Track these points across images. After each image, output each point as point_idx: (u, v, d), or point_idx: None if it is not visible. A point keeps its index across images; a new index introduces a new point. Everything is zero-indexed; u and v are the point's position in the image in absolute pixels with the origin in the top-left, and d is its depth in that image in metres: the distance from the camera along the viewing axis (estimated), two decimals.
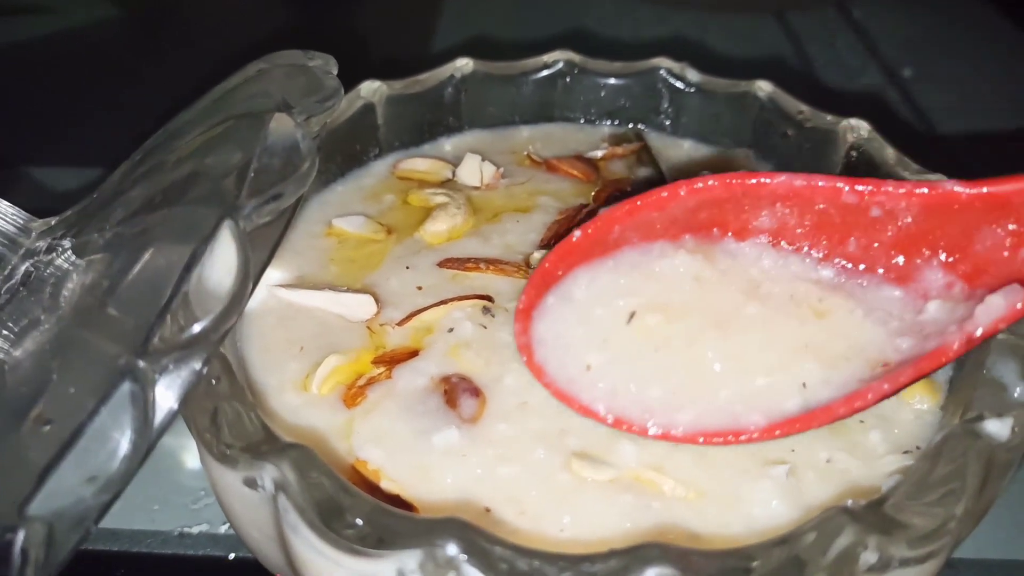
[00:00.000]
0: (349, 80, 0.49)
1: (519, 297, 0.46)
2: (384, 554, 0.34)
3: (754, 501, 0.40)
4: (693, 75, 0.62)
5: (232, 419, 0.38)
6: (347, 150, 0.59)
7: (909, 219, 0.41)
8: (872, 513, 0.34)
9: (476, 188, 0.58)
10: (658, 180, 0.58)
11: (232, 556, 0.52)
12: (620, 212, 0.44)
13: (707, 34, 1.04)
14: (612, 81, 0.63)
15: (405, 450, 0.42)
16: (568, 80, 0.63)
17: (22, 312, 0.41)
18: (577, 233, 0.44)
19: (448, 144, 0.63)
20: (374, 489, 0.40)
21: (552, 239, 0.53)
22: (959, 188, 0.40)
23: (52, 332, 0.39)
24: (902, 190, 0.40)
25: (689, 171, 0.59)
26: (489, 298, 0.49)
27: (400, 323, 0.48)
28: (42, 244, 0.44)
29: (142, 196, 0.43)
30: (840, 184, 0.41)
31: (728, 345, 0.42)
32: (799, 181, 0.41)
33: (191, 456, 0.56)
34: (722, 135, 0.62)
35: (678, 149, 0.63)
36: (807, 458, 0.42)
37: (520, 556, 0.33)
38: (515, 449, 0.42)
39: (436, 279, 0.51)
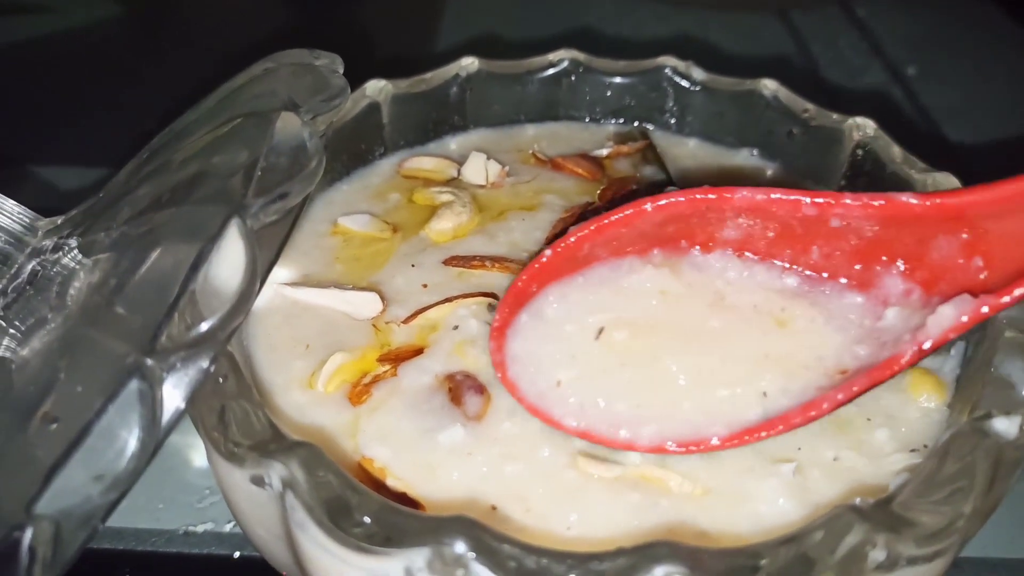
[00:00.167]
0: (352, 79, 0.49)
1: (493, 315, 0.46)
2: (392, 552, 0.34)
3: (761, 499, 0.40)
4: (698, 74, 0.62)
5: (240, 417, 0.38)
6: (352, 149, 0.59)
7: (868, 229, 0.42)
8: (881, 511, 0.34)
9: (481, 186, 0.58)
10: (663, 178, 0.58)
11: (237, 554, 0.52)
12: (589, 229, 0.45)
13: (709, 33, 1.04)
14: (617, 80, 0.63)
15: (411, 448, 0.42)
16: (573, 79, 0.63)
17: (29, 311, 0.41)
18: (548, 252, 0.45)
19: (453, 143, 0.63)
20: (380, 487, 0.40)
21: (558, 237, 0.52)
22: (914, 200, 0.41)
23: (59, 331, 0.39)
24: (859, 203, 0.42)
25: (697, 178, 0.59)
26: (494, 296, 0.49)
27: (405, 321, 0.48)
28: (48, 243, 0.44)
29: (149, 195, 0.43)
30: (799, 197, 0.42)
31: (692, 359, 0.43)
32: (760, 195, 0.42)
33: (196, 455, 0.56)
34: (727, 134, 0.62)
35: (683, 148, 0.63)
36: (814, 456, 0.42)
37: (528, 554, 0.33)
38: (520, 447, 0.42)
39: (441, 277, 0.51)
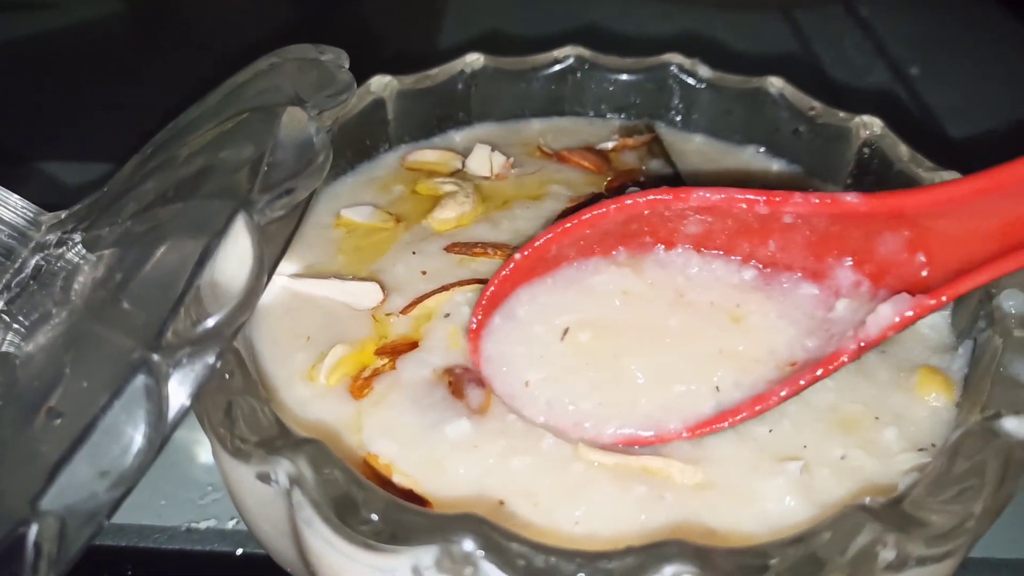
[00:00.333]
0: (355, 75, 0.49)
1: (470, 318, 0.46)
2: (400, 550, 0.33)
3: (768, 497, 0.40)
4: (704, 71, 0.62)
5: (246, 414, 0.37)
6: (357, 144, 0.58)
7: (819, 225, 0.44)
8: (891, 511, 0.34)
9: (486, 178, 0.57)
10: (670, 172, 0.58)
11: (239, 552, 0.52)
12: (557, 231, 0.46)
13: (713, 31, 1.04)
14: (623, 77, 0.63)
15: (417, 443, 0.41)
16: (579, 76, 0.63)
17: (33, 306, 0.41)
18: (517, 256, 0.46)
19: (458, 136, 0.62)
20: (387, 484, 0.40)
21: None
22: (857, 200, 0.42)
23: (64, 326, 0.39)
24: (807, 202, 0.43)
25: (703, 174, 0.59)
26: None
27: (404, 311, 0.48)
28: (52, 238, 0.44)
29: (154, 190, 0.42)
30: (752, 197, 0.44)
31: (650, 357, 0.44)
32: (715, 196, 0.44)
33: (198, 451, 0.56)
34: (733, 131, 0.62)
35: (689, 143, 0.63)
36: (821, 455, 0.42)
37: (537, 552, 0.33)
38: (525, 439, 0.42)
39: (441, 264, 0.50)
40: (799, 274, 0.45)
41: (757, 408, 0.42)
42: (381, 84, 0.58)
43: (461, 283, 0.48)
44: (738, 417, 0.42)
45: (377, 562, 0.34)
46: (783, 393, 0.41)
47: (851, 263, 0.44)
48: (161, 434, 0.35)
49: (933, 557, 0.34)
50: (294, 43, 0.50)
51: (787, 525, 0.39)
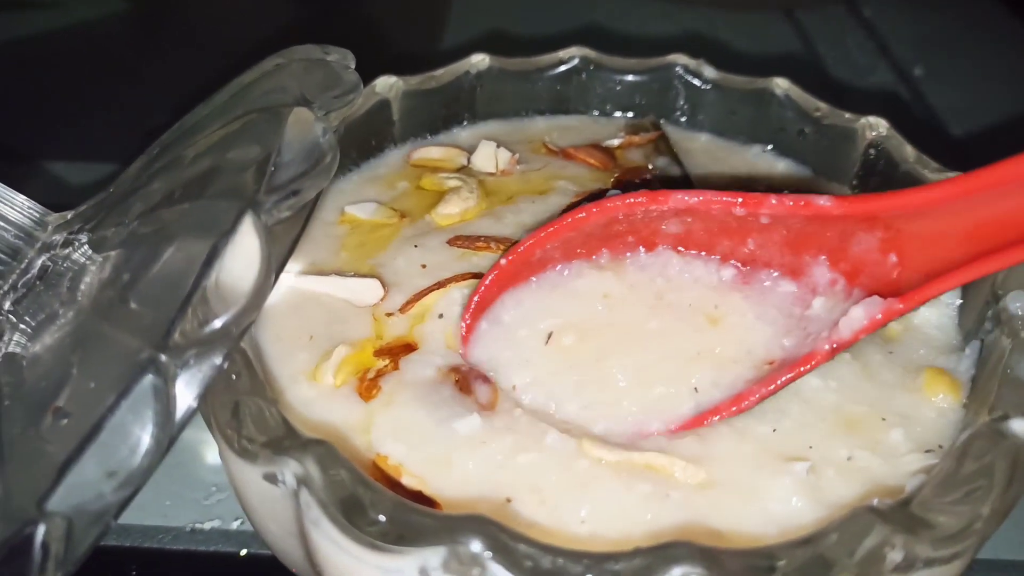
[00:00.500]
0: (360, 76, 0.49)
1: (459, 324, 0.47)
2: (407, 551, 0.33)
3: (774, 497, 0.40)
4: (710, 72, 0.62)
5: (253, 414, 0.37)
6: (362, 145, 0.58)
7: (794, 225, 0.44)
8: (899, 512, 0.34)
9: (491, 174, 0.57)
10: (677, 171, 0.58)
11: (244, 552, 0.52)
12: (540, 235, 0.46)
13: (715, 31, 1.04)
14: (628, 78, 0.63)
15: (427, 440, 0.41)
16: (584, 76, 0.63)
17: (39, 306, 0.41)
18: (502, 261, 0.46)
19: (464, 133, 0.62)
20: (395, 486, 0.40)
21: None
22: (831, 204, 0.43)
23: (71, 326, 0.39)
24: (782, 204, 0.44)
25: (709, 173, 0.59)
26: None
27: (402, 309, 0.47)
28: (58, 238, 0.44)
29: (160, 191, 0.42)
30: (727, 199, 0.44)
31: (631, 359, 0.45)
32: (692, 198, 0.45)
33: (203, 451, 0.56)
34: (738, 132, 0.62)
35: (694, 143, 0.62)
36: (827, 455, 0.41)
37: (544, 553, 0.33)
38: (531, 435, 0.42)
39: (443, 257, 0.50)
40: (777, 272, 0.46)
41: (734, 408, 0.42)
42: (386, 85, 0.58)
43: (457, 278, 0.48)
44: (715, 418, 0.42)
45: (384, 563, 0.34)
46: (757, 395, 0.42)
47: (827, 261, 0.45)
48: (168, 434, 0.35)
49: (941, 559, 0.34)
50: (295, 43, 0.50)
51: (794, 526, 0.39)
